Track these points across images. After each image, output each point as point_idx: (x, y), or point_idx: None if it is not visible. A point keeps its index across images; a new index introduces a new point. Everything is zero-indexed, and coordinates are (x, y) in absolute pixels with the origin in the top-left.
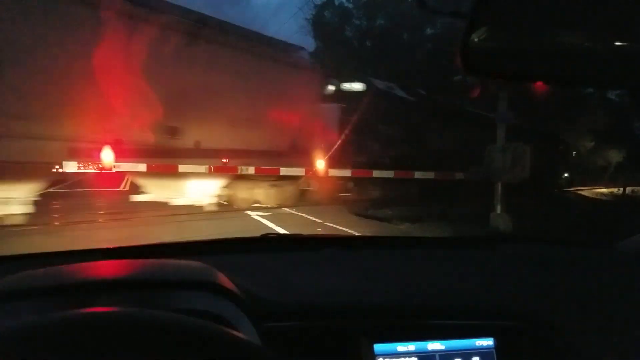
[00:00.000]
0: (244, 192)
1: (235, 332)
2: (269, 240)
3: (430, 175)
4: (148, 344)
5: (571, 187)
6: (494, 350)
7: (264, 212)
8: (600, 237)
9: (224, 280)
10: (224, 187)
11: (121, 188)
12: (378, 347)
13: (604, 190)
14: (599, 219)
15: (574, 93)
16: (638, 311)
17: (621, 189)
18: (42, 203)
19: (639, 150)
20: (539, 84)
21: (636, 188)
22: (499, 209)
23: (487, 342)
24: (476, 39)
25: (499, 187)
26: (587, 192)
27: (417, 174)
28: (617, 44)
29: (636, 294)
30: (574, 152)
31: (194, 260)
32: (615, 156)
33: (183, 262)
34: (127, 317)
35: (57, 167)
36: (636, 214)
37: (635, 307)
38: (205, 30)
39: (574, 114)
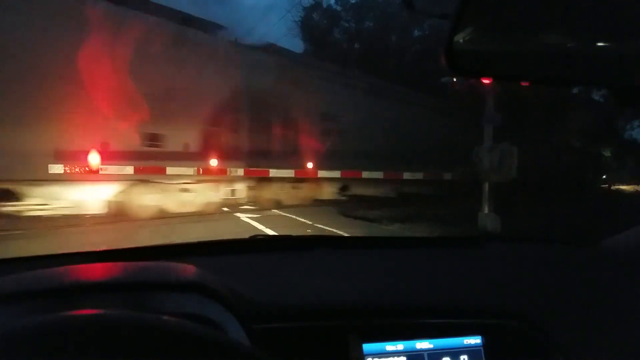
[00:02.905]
0: None
1: (222, 334)
2: (258, 242)
3: (419, 175)
4: (133, 347)
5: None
6: (481, 348)
7: (254, 214)
8: (586, 236)
9: (211, 281)
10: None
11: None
12: (367, 347)
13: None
14: (588, 217)
15: (561, 95)
16: (623, 309)
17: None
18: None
19: (624, 150)
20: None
21: (622, 186)
22: (486, 208)
23: (475, 340)
24: (461, 40)
25: (487, 187)
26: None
27: (406, 175)
28: (601, 44)
29: (621, 291)
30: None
31: (181, 263)
32: (603, 156)
33: (170, 264)
34: (112, 319)
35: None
36: (621, 212)
37: (620, 304)
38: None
39: (562, 115)
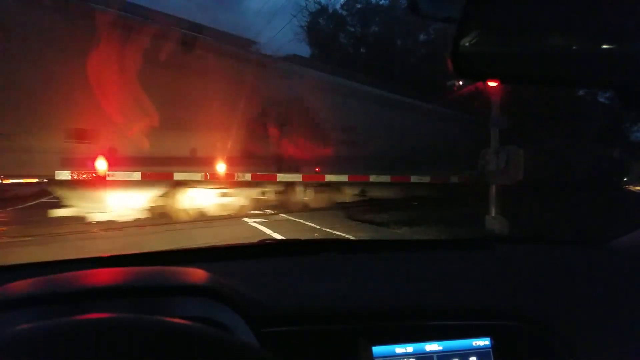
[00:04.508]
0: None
1: (234, 336)
2: (267, 246)
3: (426, 179)
4: (146, 350)
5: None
6: (490, 350)
7: (261, 218)
8: (594, 237)
9: (221, 286)
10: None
11: None
12: (377, 349)
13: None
14: (596, 219)
15: (568, 97)
16: (631, 309)
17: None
18: (33, 214)
19: (633, 151)
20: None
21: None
22: (493, 211)
23: (483, 342)
24: (466, 43)
25: (494, 190)
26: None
27: (414, 178)
28: (604, 46)
29: (629, 292)
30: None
31: (191, 267)
32: (611, 157)
33: (180, 269)
34: (124, 323)
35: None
36: (630, 213)
37: (628, 305)
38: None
39: (569, 117)
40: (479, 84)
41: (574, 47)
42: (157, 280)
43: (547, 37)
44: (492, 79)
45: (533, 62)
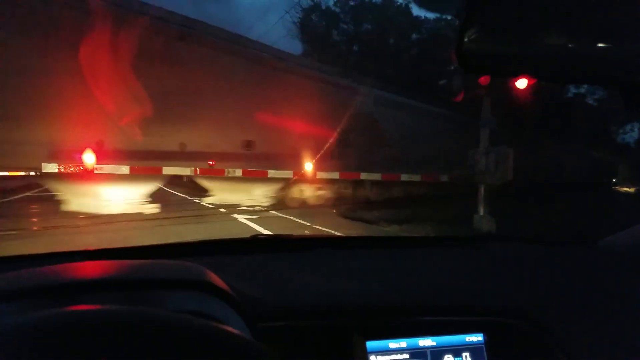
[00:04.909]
0: None
1: (229, 328)
2: (260, 241)
3: (416, 177)
4: (142, 342)
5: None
6: (483, 345)
7: (251, 215)
8: (584, 235)
9: (215, 279)
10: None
11: None
12: (371, 344)
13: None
14: (583, 219)
15: (557, 99)
16: (621, 307)
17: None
18: (19, 207)
19: (621, 152)
20: (525, 88)
21: (626, 189)
22: (482, 210)
23: (476, 337)
24: (470, 37)
25: (482, 190)
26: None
27: (404, 177)
28: (601, 44)
29: (619, 290)
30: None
31: (184, 261)
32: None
33: (173, 262)
34: (116, 315)
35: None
36: (616, 213)
37: (619, 303)
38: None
39: (558, 119)
40: (471, 83)
41: (579, 44)
42: (150, 273)
43: (553, 33)
44: (497, 73)
45: (539, 57)
